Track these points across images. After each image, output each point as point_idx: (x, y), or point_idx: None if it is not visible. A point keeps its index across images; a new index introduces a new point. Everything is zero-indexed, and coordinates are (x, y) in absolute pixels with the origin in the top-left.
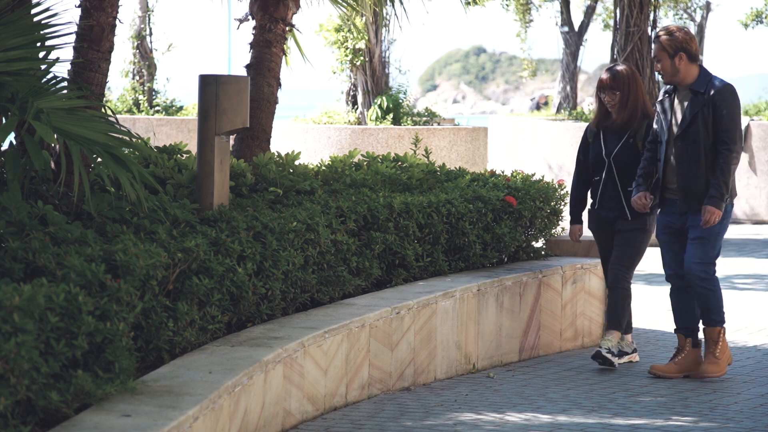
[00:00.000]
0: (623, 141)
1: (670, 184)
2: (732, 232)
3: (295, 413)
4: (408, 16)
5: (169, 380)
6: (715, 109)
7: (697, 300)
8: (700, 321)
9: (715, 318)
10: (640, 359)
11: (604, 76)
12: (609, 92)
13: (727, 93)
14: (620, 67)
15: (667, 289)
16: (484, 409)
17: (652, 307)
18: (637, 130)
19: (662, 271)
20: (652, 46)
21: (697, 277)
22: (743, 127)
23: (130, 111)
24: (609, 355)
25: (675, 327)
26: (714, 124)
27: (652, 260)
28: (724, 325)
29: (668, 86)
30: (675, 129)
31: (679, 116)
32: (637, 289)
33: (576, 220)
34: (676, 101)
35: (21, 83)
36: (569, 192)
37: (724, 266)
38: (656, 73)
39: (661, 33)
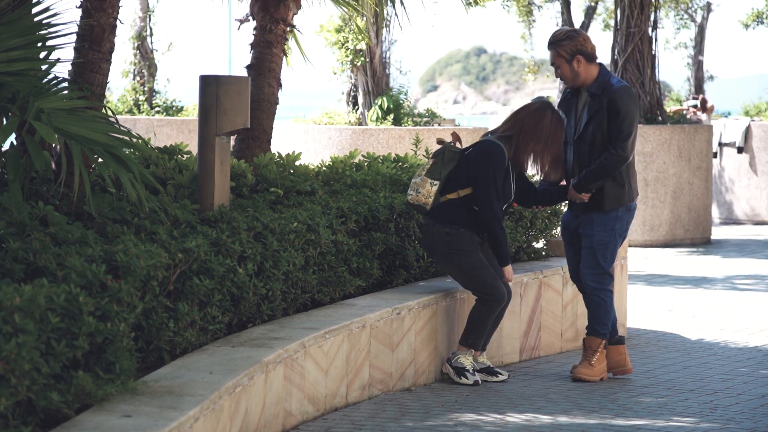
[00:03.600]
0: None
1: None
2: (732, 233)
3: (295, 414)
4: (408, 17)
5: (169, 381)
6: (611, 111)
7: (588, 306)
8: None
9: (597, 329)
10: (640, 359)
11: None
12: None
13: (624, 94)
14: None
15: (667, 289)
16: (484, 409)
17: (652, 307)
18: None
19: (662, 272)
20: (549, 52)
21: (589, 286)
22: (743, 127)
23: (130, 111)
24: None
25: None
26: (608, 125)
27: (652, 260)
28: (605, 341)
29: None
30: (574, 132)
31: (579, 118)
32: (637, 289)
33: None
34: (579, 103)
35: (22, 83)
36: (502, 232)
37: (725, 266)
38: (656, 73)
39: (554, 39)
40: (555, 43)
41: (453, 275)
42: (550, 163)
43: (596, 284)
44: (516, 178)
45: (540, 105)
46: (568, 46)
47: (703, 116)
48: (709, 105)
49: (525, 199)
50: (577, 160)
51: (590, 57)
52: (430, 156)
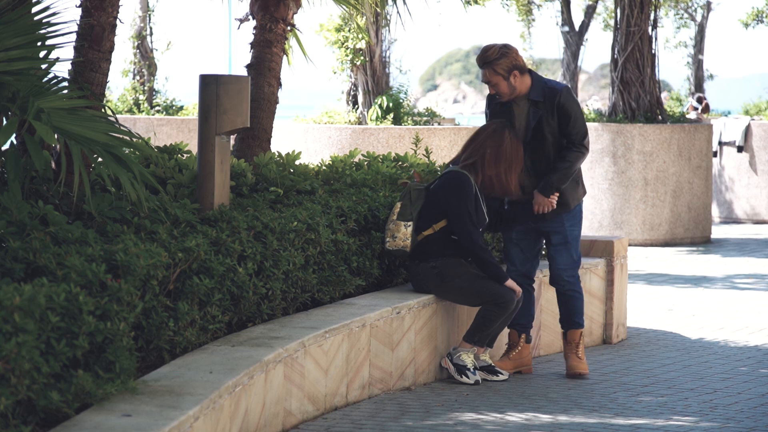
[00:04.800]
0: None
1: (527, 187)
2: (732, 232)
3: (295, 413)
4: (411, 15)
5: (169, 380)
6: (562, 114)
7: (566, 303)
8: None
9: (578, 321)
10: (640, 359)
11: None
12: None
13: (568, 95)
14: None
15: (666, 288)
16: (485, 408)
17: (652, 306)
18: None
19: (662, 271)
20: (481, 71)
21: (566, 282)
22: (744, 126)
23: (130, 111)
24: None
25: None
26: (561, 127)
27: (652, 260)
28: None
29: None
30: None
31: (525, 127)
32: (637, 288)
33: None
34: (516, 112)
35: (22, 83)
36: (486, 254)
37: (725, 266)
38: (656, 73)
39: (488, 58)
40: (491, 62)
41: (458, 301)
42: (516, 180)
43: (572, 279)
44: (484, 202)
45: (496, 126)
46: (504, 63)
47: (694, 115)
48: (690, 106)
49: (492, 224)
50: (532, 165)
51: (523, 69)
52: (398, 199)
